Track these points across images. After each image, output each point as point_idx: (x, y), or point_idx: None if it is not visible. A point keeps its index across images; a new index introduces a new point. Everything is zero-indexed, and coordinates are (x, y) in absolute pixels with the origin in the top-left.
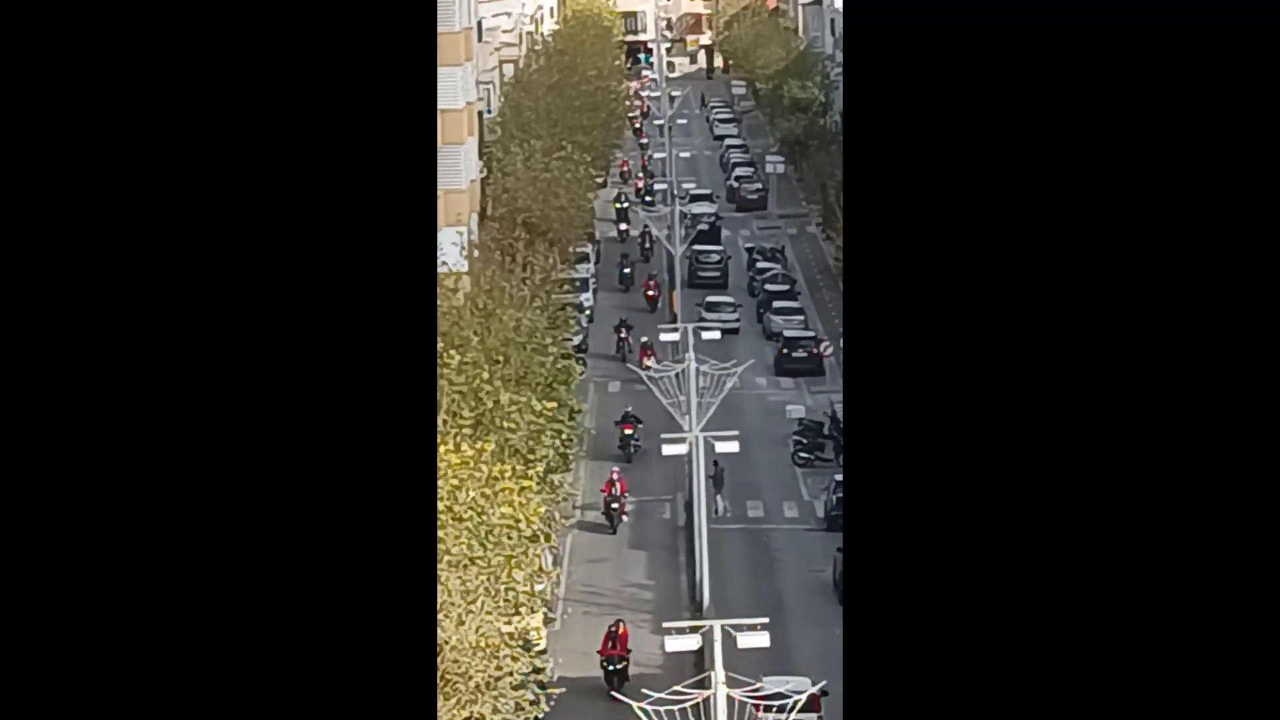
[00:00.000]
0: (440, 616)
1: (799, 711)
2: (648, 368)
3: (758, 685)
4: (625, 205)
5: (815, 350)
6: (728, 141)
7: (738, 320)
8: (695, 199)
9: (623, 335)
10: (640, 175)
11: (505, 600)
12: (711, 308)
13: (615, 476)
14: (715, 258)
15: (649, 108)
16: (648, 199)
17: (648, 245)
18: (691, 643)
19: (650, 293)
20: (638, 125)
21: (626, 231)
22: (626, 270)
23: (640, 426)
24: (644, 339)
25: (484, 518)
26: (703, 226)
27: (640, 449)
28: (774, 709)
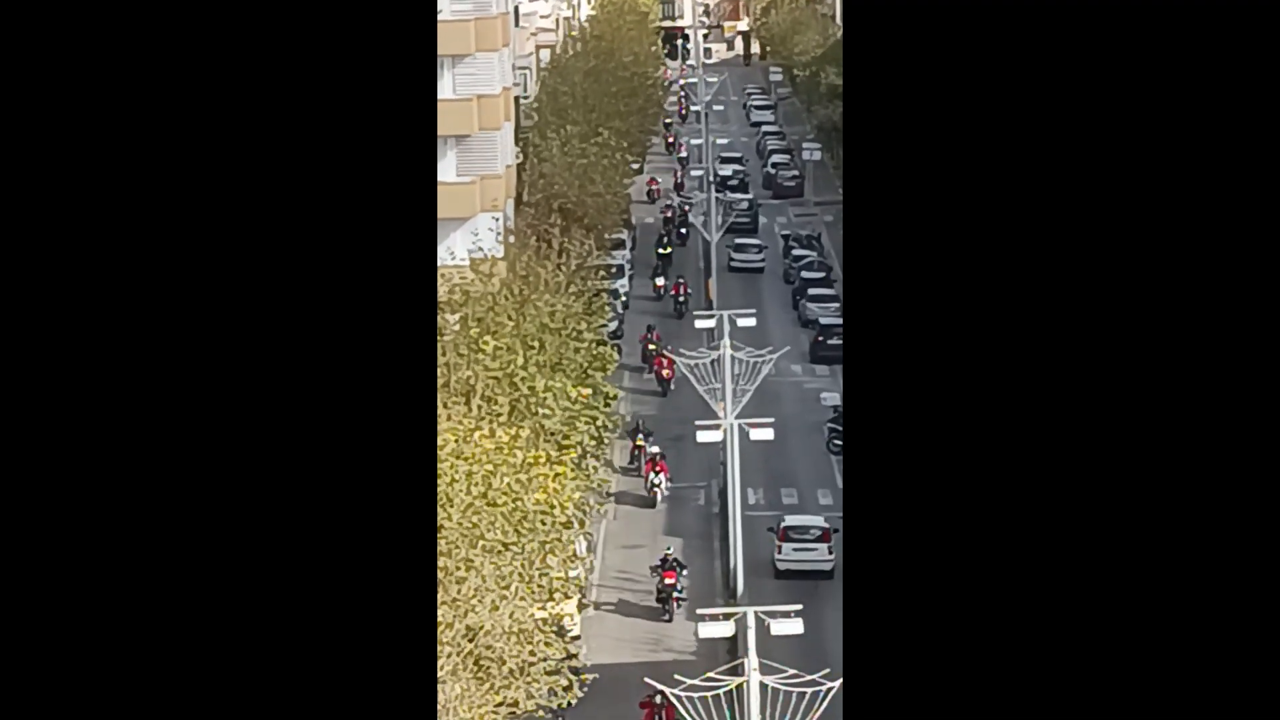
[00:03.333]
0: (475, 602)
1: (814, 542)
2: (655, 485)
3: (780, 518)
4: (669, 251)
5: None
6: (764, 128)
7: (763, 260)
8: (724, 161)
9: (638, 442)
10: (670, 205)
11: (539, 586)
12: (739, 249)
13: (660, 700)
14: (745, 205)
15: (685, 110)
16: (683, 230)
17: (681, 299)
18: (725, 629)
19: (665, 372)
20: (670, 139)
21: (664, 289)
22: (651, 347)
23: (684, 573)
24: (655, 449)
25: (518, 503)
26: (733, 182)
27: (685, 603)
28: (792, 539)
